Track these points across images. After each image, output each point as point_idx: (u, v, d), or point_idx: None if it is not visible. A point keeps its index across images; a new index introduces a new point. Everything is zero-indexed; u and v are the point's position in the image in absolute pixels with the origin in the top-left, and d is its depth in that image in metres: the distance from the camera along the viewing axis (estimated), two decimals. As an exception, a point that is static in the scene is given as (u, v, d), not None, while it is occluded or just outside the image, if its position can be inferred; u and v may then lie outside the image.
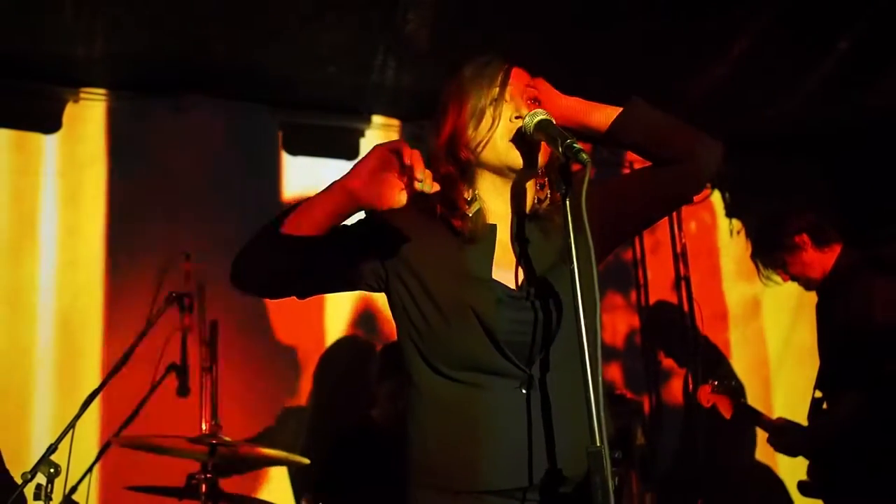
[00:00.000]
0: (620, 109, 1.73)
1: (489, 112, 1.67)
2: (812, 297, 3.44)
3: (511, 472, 1.56)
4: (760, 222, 3.58)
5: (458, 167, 1.70)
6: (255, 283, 1.69)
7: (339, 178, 1.55)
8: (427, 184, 1.45)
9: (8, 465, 3.09)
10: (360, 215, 1.69)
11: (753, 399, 4.55)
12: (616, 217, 1.74)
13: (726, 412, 3.45)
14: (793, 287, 3.51)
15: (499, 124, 1.67)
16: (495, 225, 1.71)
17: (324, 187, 1.57)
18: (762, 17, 3.81)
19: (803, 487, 3.38)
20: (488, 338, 1.60)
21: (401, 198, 1.49)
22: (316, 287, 1.74)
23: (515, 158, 1.67)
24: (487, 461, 1.57)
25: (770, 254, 3.41)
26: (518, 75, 1.73)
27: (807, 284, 3.40)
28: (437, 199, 1.68)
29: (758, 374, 4.86)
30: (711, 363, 4.61)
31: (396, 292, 1.69)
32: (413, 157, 1.45)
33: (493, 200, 1.72)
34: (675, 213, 4.87)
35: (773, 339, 4.90)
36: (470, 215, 1.68)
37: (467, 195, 1.70)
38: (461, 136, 1.68)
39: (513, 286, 1.68)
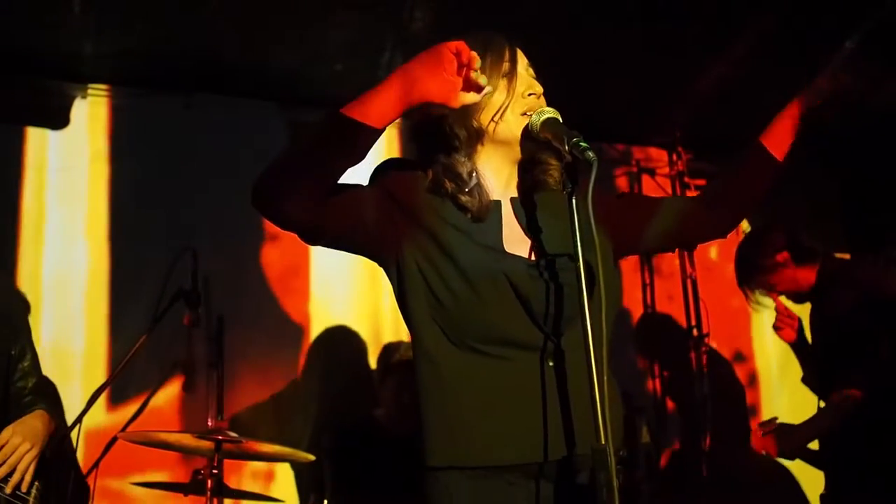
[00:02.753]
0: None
1: (503, 84, 1.67)
2: None
3: (533, 447, 1.55)
4: (738, 249, 3.53)
5: (467, 132, 1.67)
6: (290, 179, 1.60)
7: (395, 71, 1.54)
8: (484, 78, 1.49)
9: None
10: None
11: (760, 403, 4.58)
12: (633, 231, 1.76)
13: (787, 452, 3.30)
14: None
15: (512, 98, 1.66)
16: (499, 201, 1.70)
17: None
18: (769, 17, 3.81)
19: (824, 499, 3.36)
20: (523, 308, 1.58)
21: (462, 97, 1.50)
22: (328, 220, 1.65)
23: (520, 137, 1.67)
24: (512, 434, 1.56)
25: (754, 279, 3.39)
26: (521, 55, 1.74)
27: (796, 298, 3.39)
28: (442, 175, 1.67)
29: (768, 377, 4.86)
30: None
31: (414, 261, 1.63)
32: (472, 56, 1.47)
33: (493, 175, 1.71)
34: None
35: (779, 340, 4.89)
36: (469, 189, 1.66)
37: (464, 168, 1.68)
38: (471, 107, 1.63)
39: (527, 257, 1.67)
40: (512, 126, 1.66)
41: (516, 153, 1.70)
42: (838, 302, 3.15)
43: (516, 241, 1.68)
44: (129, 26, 3.68)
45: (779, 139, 1.83)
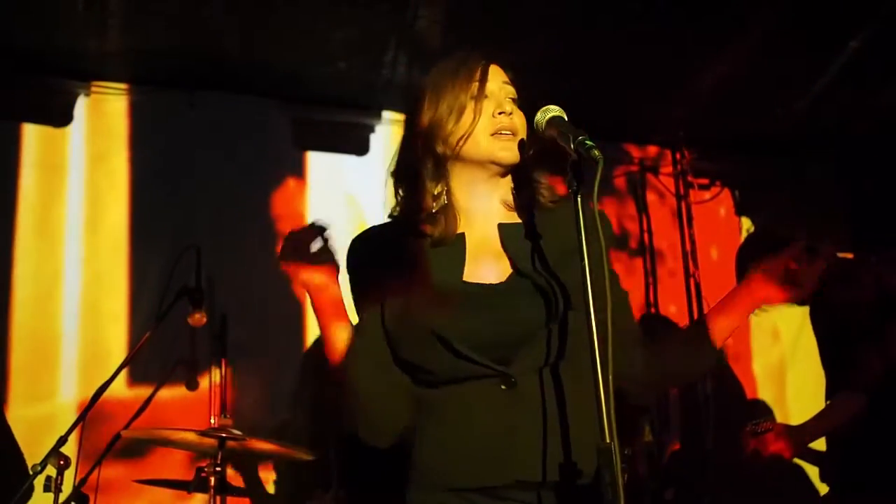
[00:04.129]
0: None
1: (470, 107, 1.67)
2: None
3: (491, 470, 1.55)
4: (740, 250, 3.52)
5: (433, 162, 1.69)
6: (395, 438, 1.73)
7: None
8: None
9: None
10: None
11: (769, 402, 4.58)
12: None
13: (785, 451, 3.25)
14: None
15: (480, 120, 1.66)
16: (463, 233, 1.70)
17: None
18: (773, 16, 3.80)
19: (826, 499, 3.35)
20: (452, 352, 1.58)
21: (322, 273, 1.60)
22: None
23: (498, 152, 1.66)
24: (473, 459, 1.57)
25: None
26: (495, 72, 1.73)
27: (800, 301, 3.38)
28: (405, 207, 1.71)
29: (771, 375, 4.86)
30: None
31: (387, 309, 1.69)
32: (293, 242, 1.57)
33: (467, 196, 1.71)
34: (683, 211, 4.87)
35: (785, 339, 4.90)
36: (435, 212, 1.68)
37: (436, 190, 1.69)
38: (439, 130, 1.67)
39: (492, 281, 1.66)
40: (481, 147, 1.66)
41: (491, 171, 1.69)
42: (842, 302, 3.14)
43: (488, 265, 1.67)
44: (133, 24, 3.69)
45: (726, 332, 1.73)
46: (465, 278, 1.65)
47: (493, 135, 1.66)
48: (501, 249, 1.69)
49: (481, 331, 1.58)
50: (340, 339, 1.65)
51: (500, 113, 1.67)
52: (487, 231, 1.71)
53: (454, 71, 1.71)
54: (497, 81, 1.72)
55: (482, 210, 1.72)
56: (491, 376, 1.58)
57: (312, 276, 1.59)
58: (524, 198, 1.73)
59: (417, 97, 1.75)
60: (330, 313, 1.64)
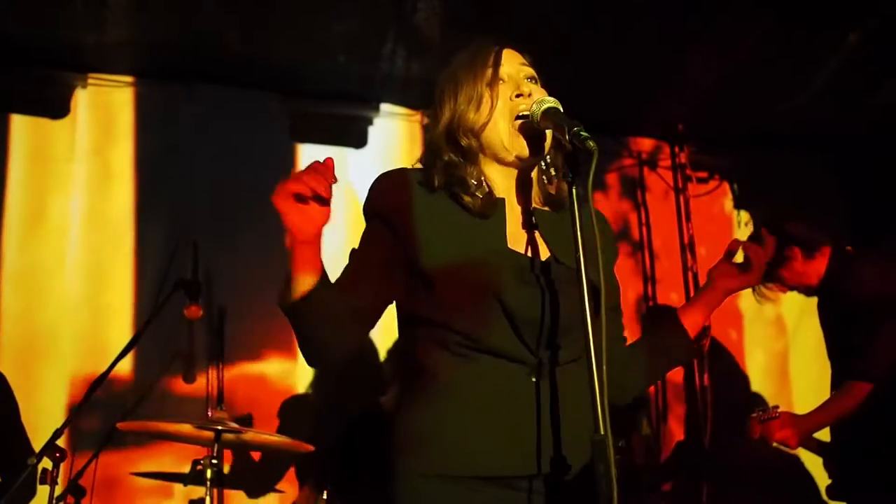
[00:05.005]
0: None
1: (486, 94, 1.66)
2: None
3: (513, 460, 1.53)
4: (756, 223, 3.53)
5: (461, 155, 1.67)
6: (340, 361, 1.66)
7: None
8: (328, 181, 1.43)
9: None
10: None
11: (770, 395, 4.58)
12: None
13: (791, 439, 3.14)
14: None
15: (498, 105, 1.65)
16: (503, 198, 1.68)
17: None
18: (772, 12, 3.79)
19: (829, 490, 3.36)
20: (507, 318, 1.55)
21: (322, 216, 1.45)
22: (378, 313, 1.68)
23: (519, 140, 1.64)
24: (488, 446, 1.54)
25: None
26: (510, 56, 1.71)
27: (806, 292, 3.38)
28: (444, 180, 1.66)
29: (769, 369, 4.86)
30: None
31: (415, 262, 1.61)
32: (307, 179, 1.41)
33: (499, 187, 1.69)
34: (682, 205, 4.87)
35: (783, 333, 4.90)
36: (478, 194, 1.65)
37: (473, 179, 1.66)
38: (461, 123, 1.66)
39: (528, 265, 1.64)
40: (502, 132, 1.64)
41: (514, 163, 1.68)
42: (848, 294, 3.15)
43: (519, 245, 1.66)
44: (131, 17, 3.68)
45: (697, 327, 1.84)
46: (510, 245, 1.63)
47: (516, 119, 1.63)
48: (537, 234, 1.67)
49: (535, 307, 1.56)
50: (304, 284, 1.50)
51: (517, 96, 1.65)
52: (523, 216, 1.69)
53: (469, 62, 1.70)
54: (513, 64, 1.70)
55: (511, 200, 1.70)
56: (522, 361, 1.56)
57: (313, 215, 1.44)
58: (558, 192, 1.72)
59: (436, 97, 1.73)
60: (308, 258, 1.49)
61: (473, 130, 1.66)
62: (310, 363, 1.68)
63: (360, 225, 1.71)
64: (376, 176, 1.72)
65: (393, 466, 1.61)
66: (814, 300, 3.40)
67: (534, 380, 1.56)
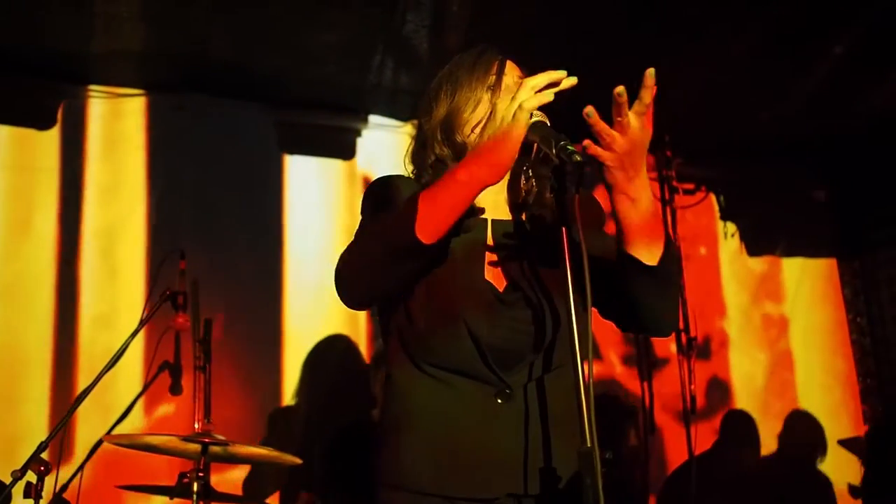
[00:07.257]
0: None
1: (486, 98, 1.69)
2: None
3: (481, 482, 1.54)
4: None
5: (451, 149, 1.70)
6: (377, 294, 1.65)
7: (458, 171, 1.50)
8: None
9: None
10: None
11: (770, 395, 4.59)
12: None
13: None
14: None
15: (496, 110, 1.66)
16: (486, 220, 1.69)
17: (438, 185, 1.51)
18: (758, 25, 3.82)
19: (852, 490, 3.37)
20: (474, 344, 1.57)
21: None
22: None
23: None
24: (456, 467, 1.55)
25: None
26: (511, 68, 1.75)
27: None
28: (433, 179, 1.65)
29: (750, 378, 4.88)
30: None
31: None
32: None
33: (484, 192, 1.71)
34: (669, 216, 4.88)
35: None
36: None
37: None
38: (456, 119, 1.69)
39: (502, 285, 1.65)
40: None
41: None
42: None
43: (500, 261, 1.67)
44: (122, 28, 3.67)
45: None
46: (486, 273, 1.65)
47: None
48: (508, 251, 1.68)
49: (498, 334, 1.58)
50: (447, 231, 1.50)
51: None
52: (499, 228, 1.71)
53: (472, 64, 1.73)
54: (513, 76, 1.74)
55: (495, 204, 1.72)
56: (490, 384, 1.57)
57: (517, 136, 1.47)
58: (527, 197, 1.73)
59: (432, 91, 1.76)
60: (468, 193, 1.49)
61: (466, 130, 1.69)
62: (354, 299, 1.63)
63: (348, 237, 1.71)
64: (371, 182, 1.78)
65: (375, 480, 1.63)
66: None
67: (500, 401, 1.57)
